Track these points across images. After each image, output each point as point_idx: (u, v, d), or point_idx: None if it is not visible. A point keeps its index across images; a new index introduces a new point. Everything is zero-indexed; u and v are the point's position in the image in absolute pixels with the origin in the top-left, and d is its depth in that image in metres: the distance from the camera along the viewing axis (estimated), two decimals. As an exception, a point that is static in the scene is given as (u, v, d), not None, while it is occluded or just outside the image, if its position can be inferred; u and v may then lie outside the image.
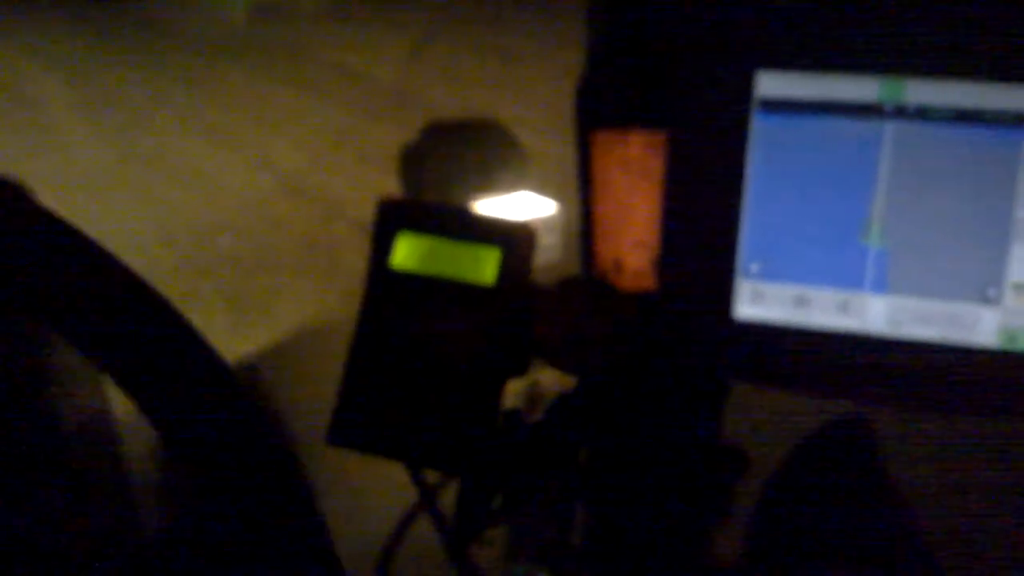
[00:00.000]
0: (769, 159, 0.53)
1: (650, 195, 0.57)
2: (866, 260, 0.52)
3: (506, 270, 0.54)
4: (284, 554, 0.46)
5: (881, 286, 0.52)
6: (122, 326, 0.44)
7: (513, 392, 0.70)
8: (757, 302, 0.55)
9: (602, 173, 0.58)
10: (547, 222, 0.65)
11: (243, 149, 3.79)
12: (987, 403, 0.52)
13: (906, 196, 0.51)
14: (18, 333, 0.67)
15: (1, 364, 0.68)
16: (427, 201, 0.58)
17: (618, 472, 0.64)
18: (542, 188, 0.68)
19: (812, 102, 0.52)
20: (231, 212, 3.19)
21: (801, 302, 0.54)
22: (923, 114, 0.50)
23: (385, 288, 0.56)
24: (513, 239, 0.54)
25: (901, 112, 0.50)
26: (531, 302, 0.54)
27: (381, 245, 0.56)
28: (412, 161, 0.61)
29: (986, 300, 0.51)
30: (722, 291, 0.55)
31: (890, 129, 0.51)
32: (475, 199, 0.64)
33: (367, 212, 0.54)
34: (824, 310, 0.54)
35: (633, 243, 0.58)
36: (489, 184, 0.63)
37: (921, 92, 0.50)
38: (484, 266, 0.54)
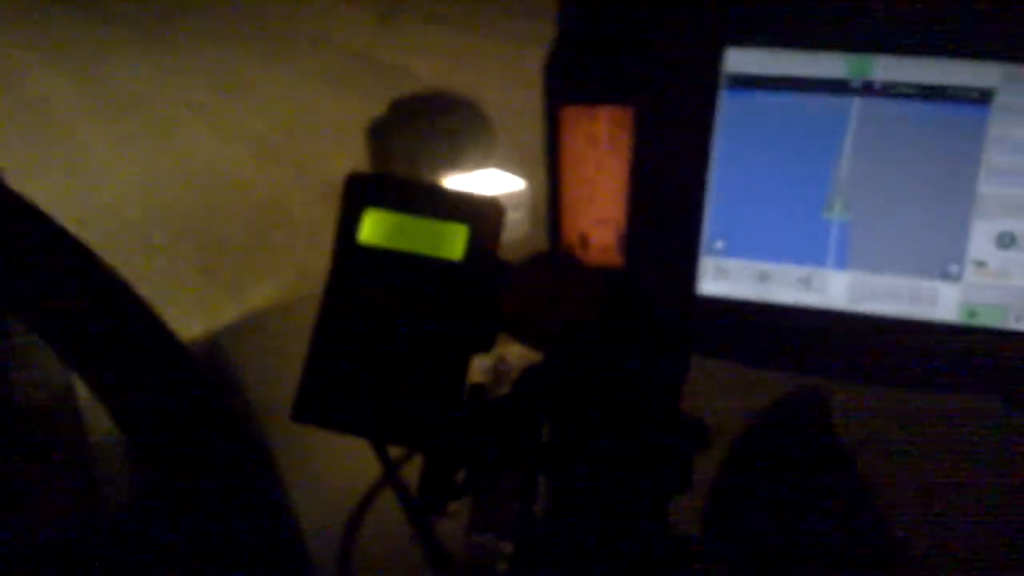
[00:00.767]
0: (735, 135, 0.53)
1: (617, 171, 0.56)
2: (828, 236, 0.52)
3: (474, 246, 0.53)
4: (242, 532, 0.45)
5: (843, 262, 0.52)
6: (74, 307, 0.42)
7: (479, 367, 0.69)
8: (721, 278, 0.54)
9: (570, 148, 0.56)
10: (514, 197, 0.64)
11: (213, 117, 3.74)
12: (947, 378, 0.51)
13: (870, 172, 0.50)
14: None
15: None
16: (394, 176, 0.57)
17: (581, 445, 0.63)
18: (509, 164, 0.66)
19: (780, 78, 0.51)
20: (199, 183, 3.14)
21: (764, 278, 0.54)
22: (889, 90, 0.49)
23: (352, 263, 0.54)
24: (481, 215, 0.53)
25: (868, 88, 0.50)
26: (499, 278, 0.53)
27: (348, 220, 0.54)
28: (379, 134, 0.60)
29: (947, 276, 0.50)
30: (687, 267, 0.54)
31: (856, 105, 0.50)
32: (443, 174, 0.62)
33: (335, 183, 0.53)
34: (786, 286, 0.53)
35: (599, 219, 0.57)
36: (457, 159, 0.62)
37: (888, 69, 0.49)
38: (452, 242, 0.53)
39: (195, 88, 4.00)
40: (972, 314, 0.50)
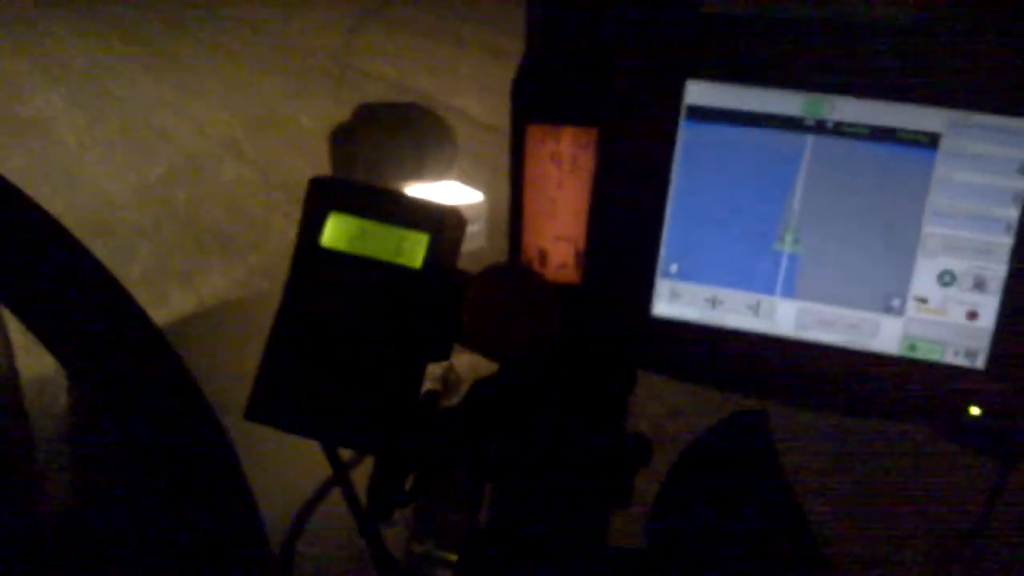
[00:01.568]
0: (693, 165, 0.53)
1: (578, 190, 0.56)
2: (778, 266, 0.53)
3: (433, 255, 0.52)
4: (218, 529, 0.44)
5: (791, 291, 0.53)
6: (64, 297, 0.41)
7: (430, 375, 0.68)
8: (674, 301, 0.55)
9: (532, 166, 0.56)
10: (471, 209, 0.63)
11: (181, 115, 3.66)
12: (885, 407, 0.53)
13: (820, 207, 0.51)
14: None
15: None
16: (358, 182, 0.56)
17: (527, 457, 0.63)
18: (468, 176, 0.66)
19: (737, 112, 0.52)
20: (163, 179, 3.08)
21: (715, 303, 0.54)
22: (841, 130, 0.50)
23: (312, 265, 0.54)
24: (442, 224, 0.53)
25: (821, 127, 0.51)
26: (457, 288, 0.53)
27: (310, 222, 0.54)
28: (344, 140, 0.59)
29: (889, 310, 0.51)
30: (642, 288, 0.55)
31: (809, 142, 0.51)
32: (404, 183, 0.62)
33: (299, 185, 0.52)
34: (736, 311, 0.54)
35: (558, 236, 0.57)
36: (419, 169, 0.61)
37: (840, 109, 0.50)
38: (412, 250, 0.53)
39: (166, 89, 3.94)
40: (911, 347, 0.52)
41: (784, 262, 0.53)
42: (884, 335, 0.52)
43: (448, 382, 0.70)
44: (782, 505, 0.65)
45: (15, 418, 0.61)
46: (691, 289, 0.54)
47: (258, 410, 0.54)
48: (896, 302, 0.51)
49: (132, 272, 2.35)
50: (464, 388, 0.64)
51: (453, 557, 0.70)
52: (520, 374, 0.60)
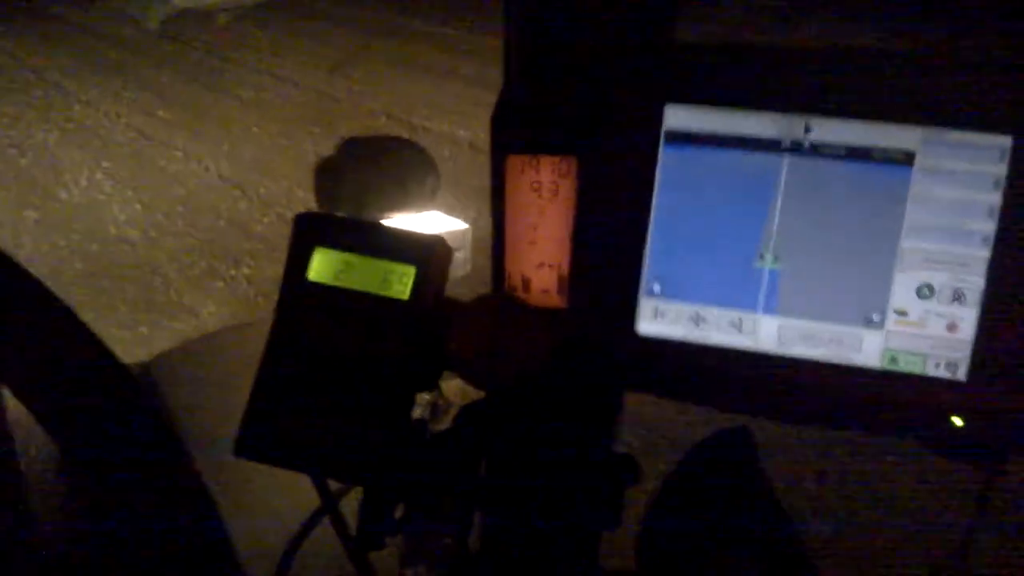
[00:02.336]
0: (673, 187, 0.53)
1: (559, 217, 0.56)
2: (759, 284, 0.52)
3: (421, 286, 0.52)
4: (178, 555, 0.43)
5: (772, 308, 0.53)
6: (18, 332, 0.40)
7: (419, 403, 0.67)
8: (658, 319, 0.54)
9: (513, 195, 0.56)
10: (456, 236, 0.63)
11: (168, 149, 3.65)
12: (868, 420, 0.52)
13: (799, 226, 0.51)
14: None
15: None
16: (343, 217, 0.56)
17: (516, 481, 0.62)
18: (454, 203, 0.66)
19: (716, 135, 0.52)
20: (151, 213, 3.07)
21: (698, 320, 0.54)
22: (818, 150, 0.50)
23: (299, 300, 0.53)
24: (428, 255, 0.52)
25: (797, 148, 0.51)
26: (444, 317, 0.52)
27: (297, 258, 0.53)
28: (327, 174, 0.58)
29: (870, 324, 0.51)
30: (626, 307, 0.54)
31: (787, 163, 0.51)
32: (388, 215, 0.61)
33: (284, 222, 0.51)
34: (719, 328, 0.54)
35: (541, 263, 0.57)
36: (404, 201, 0.61)
37: (816, 130, 0.50)
38: (399, 282, 0.52)
39: (152, 122, 3.93)
40: (893, 360, 0.51)
41: (765, 279, 0.52)
42: (865, 349, 0.51)
43: (437, 407, 0.69)
44: (770, 520, 0.64)
45: (3, 451, 0.59)
46: (674, 307, 0.54)
47: (247, 446, 0.53)
48: (876, 316, 0.51)
49: (108, 303, 2.33)
50: (453, 412, 0.63)
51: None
52: (507, 399, 0.59)
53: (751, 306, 0.53)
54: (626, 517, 0.62)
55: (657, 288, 0.54)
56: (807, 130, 0.50)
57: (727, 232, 0.52)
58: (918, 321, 0.51)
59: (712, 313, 0.54)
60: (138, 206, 3.14)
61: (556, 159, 0.55)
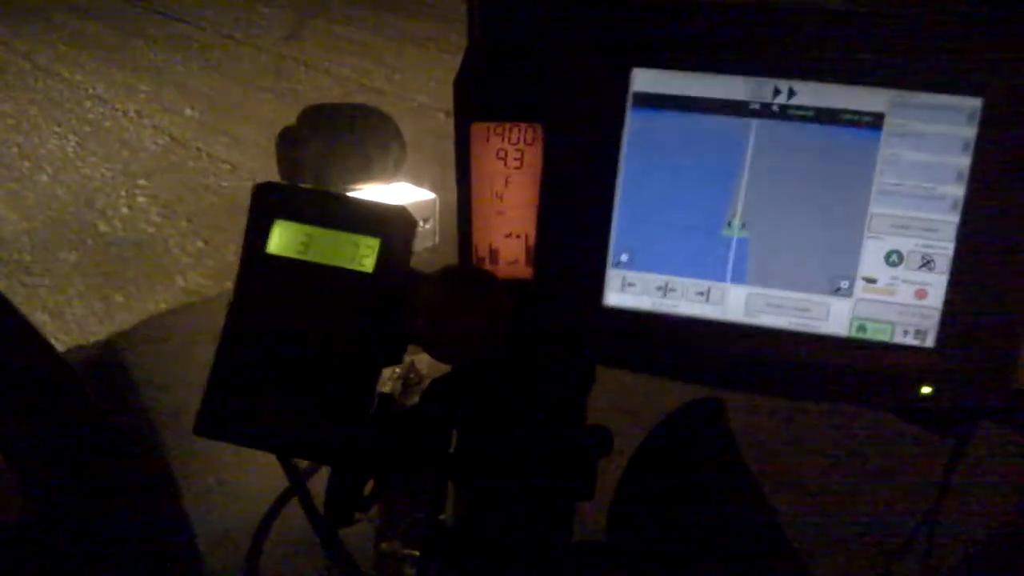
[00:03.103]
0: (641, 153, 0.51)
1: (525, 186, 0.54)
2: (727, 252, 0.51)
3: (386, 258, 0.50)
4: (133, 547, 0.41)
5: (740, 277, 0.51)
6: None
7: (390, 376, 0.66)
8: (626, 290, 0.53)
9: (479, 164, 0.54)
10: (423, 208, 0.61)
11: (124, 112, 3.59)
12: (838, 389, 0.51)
13: (767, 192, 0.50)
14: None
15: None
16: (304, 187, 0.53)
17: (488, 453, 0.61)
18: (420, 176, 0.63)
19: (683, 99, 0.50)
20: (107, 183, 3.02)
21: (666, 290, 0.52)
22: (786, 113, 0.49)
23: (259, 274, 0.51)
24: (392, 226, 0.50)
25: (765, 110, 0.49)
26: (409, 290, 0.50)
27: (256, 230, 0.51)
28: (289, 143, 0.56)
29: (838, 291, 0.50)
30: (593, 279, 0.52)
31: (754, 127, 0.49)
32: (353, 186, 0.59)
33: (244, 189, 0.49)
34: (687, 298, 0.52)
35: (508, 232, 0.55)
36: (368, 171, 0.59)
37: (785, 92, 0.49)
38: (363, 255, 0.50)
39: (108, 83, 3.87)
40: (861, 328, 0.50)
41: (733, 247, 0.51)
42: (833, 317, 0.50)
43: (409, 381, 0.68)
44: (741, 490, 0.63)
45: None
46: (642, 277, 0.52)
47: (208, 425, 0.51)
48: (844, 284, 0.50)
49: (66, 279, 2.30)
50: (425, 386, 0.62)
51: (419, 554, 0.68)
52: (475, 372, 0.58)
53: (719, 275, 0.51)
54: (599, 488, 0.61)
55: (625, 258, 0.52)
56: (776, 93, 0.49)
57: (695, 199, 0.51)
58: (887, 288, 0.49)
59: (680, 283, 0.52)
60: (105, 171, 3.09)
61: (521, 126, 0.53)
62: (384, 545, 0.69)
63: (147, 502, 0.47)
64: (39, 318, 1.99)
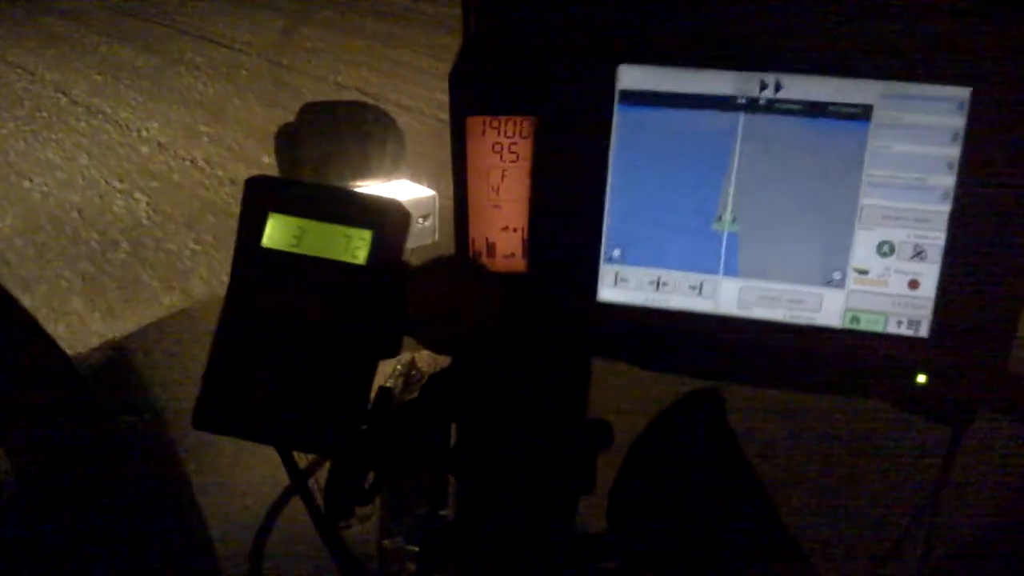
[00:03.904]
0: (630, 149, 0.51)
1: (521, 180, 0.54)
2: (719, 246, 0.51)
3: (378, 250, 0.50)
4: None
5: (732, 270, 0.51)
6: None
7: (390, 372, 0.66)
8: (619, 285, 0.53)
9: (475, 157, 0.54)
10: (422, 204, 0.61)
11: (118, 120, 3.61)
12: (833, 380, 0.50)
13: (757, 185, 0.49)
14: None
15: None
16: (296, 180, 0.53)
17: (488, 448, 0.61)
18: (418, 173, 0.64)
19: (671, 94, 0.50)
20: (102, 189, 3.04)
21: (659, 285, 0.52)
22: (775, 107, 0.48)
23: (254, 267, 0.51)
24: (386, 219, 0.50)
25: (753, 105, 0.48)
26: (404, 282, 0.50)
27: (250, 223, 0.51)
28: (288, 140, 0.56)
29: (831, 283, 0.49)
30: (587, 274, 0.52)
31: (742, 121, 0.49)
32: (352, 183, 0.59)
33: (238, 189, 0.49)
34: (680, 292, 0.52)
35: (505, 226, 0.55)
36: (367, 168, 0.59)
37: (772, 86, 0.48)
38: (356, 247, 0.50)
39: (101, 91, 3.89)
40: (855, 319, 0.49)
41: (724, 241, 0.50)
42: (826, 309, 0.50)
43: (410, 377, 0.68)
44: (739, 482, 0.63)
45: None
46: (635, 272, 0.52)
47: (206, 418, 0.51)
48: (836, 275, 0.49)
49: (69, 281, 2.30)
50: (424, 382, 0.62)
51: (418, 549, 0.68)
52: (473, 366, 0.58)
53: (711, 269, 0.51)
54: (599, 481, 0.60)
55: (617, 254, 0.52)
56: (763, 87, 0.48)
57: (686, 194, 0.50)
58: (879, 279, 0.49)
59: (673, 277, 0.52)
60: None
61: (516, 119, 0.53)
62: (387, 542, 0.70)
63: (154, 502, 0.47)
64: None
